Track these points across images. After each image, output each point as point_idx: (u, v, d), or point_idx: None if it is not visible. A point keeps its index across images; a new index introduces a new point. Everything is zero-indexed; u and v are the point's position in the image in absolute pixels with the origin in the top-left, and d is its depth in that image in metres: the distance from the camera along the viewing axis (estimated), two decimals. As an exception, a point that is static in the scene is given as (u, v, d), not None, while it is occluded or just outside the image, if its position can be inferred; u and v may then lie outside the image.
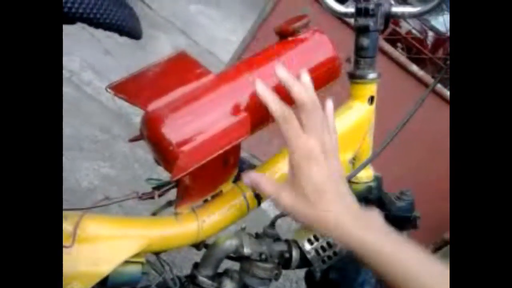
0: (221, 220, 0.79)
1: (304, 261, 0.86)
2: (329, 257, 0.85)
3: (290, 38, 0.81)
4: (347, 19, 1.81)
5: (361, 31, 0.89)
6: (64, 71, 2.04)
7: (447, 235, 2.05)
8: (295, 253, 0.85)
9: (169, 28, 3.19)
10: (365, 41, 0.89)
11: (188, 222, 0.76)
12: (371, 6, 0.86)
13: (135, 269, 0.72)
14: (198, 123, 0.69)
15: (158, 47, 2.73)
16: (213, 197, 0.80)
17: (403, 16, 0.90)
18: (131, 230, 0.72)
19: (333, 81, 0.86)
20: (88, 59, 2.20)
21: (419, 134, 1.91)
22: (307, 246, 0.85)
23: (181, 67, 0.75)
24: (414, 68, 2.06)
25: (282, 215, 0.89)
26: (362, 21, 0.88)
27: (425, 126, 1.88)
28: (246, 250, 0.81)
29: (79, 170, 1.56)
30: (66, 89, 1.94)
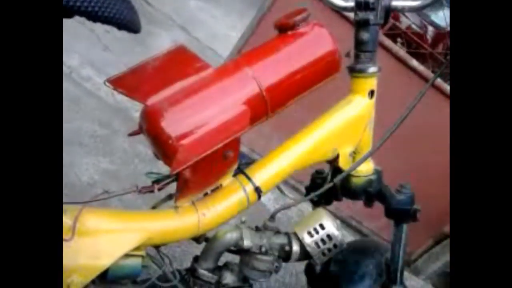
0: (221, 213, 0.79)
1: (304, 253, 0.86)
2: (329, 250, 0.85)
3: (289, 32, 0.81)
4: (347, 14, 1.80)
5: (361, 25, 0.88)
6: (64, 67, 2.04)
7: (447, 229, 2.06)
8: (295, 246, 0.85)
9: (169, 24, 3.18)
10: (365, 35, 0.88)
11: (188, 215, 0.76)
12: (371, 0, 0.86)
13: (135, 262, 0.72)
14: (197, 116, 0.69)
15: (158, 43, 2.72)
16: (213, 190, 0.81)
17: (403, 9, 0.90)
18: (131, 224, 0.73)
19: (334, 75, 0.86)
20: (87, 55, 2.19)
21: (419, 129, 1.91)
22: (307, 239, 0.85)
23: (180, 61, 0.75)
24: (414, 63, 2.06)
25: (282, 208, 0.90)
26: (362, 15, 0.87)
27: (425, 120, 1.87)
28: (246, 243, 0.81)
29: (79, 165, 1.56)
30: (66, 85, 1.93)
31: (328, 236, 0.85)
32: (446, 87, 2.02)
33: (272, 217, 0.87)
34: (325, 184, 0.91)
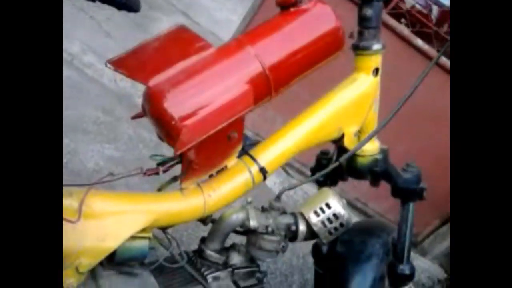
0: (227, 194, 0.79)
1: (310, 233, 0.86)
2: (335, 229, 0.85)
3: (291, 9, 0.79)
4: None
5: (364, 1, 0.87)
6: (65, 55, 2.03)
7: (453, 210, 2.06)
8: (301, 226, 0.85)
9: (170, 9, 3.16)
10: (368, 11, 0.87)
11: (194, 197, 0.76)
12: (375, -25, 0.84)
13: (142, 244, 0.73)
14: (200, 96, 0.69)
15: (159, 29, 2.71)
16: (218, 172, 0.80)
17: (407, -16, 0.88)
18: (137, 205, 0.73)
19: (337, 53, 0.85)
20: (89, 42, 2.18)
21: (424, 109, 1.89)
22: (314, 218, 0.85)
23: (181, 41, 0.74)
24: (419, 42, 2.03)
25: (288, 188, 0.89)
26: (365, -10, 0.86)
27: (431, 100, 1.86)
28: (253, 223, 0.81)
29: (84, 152, 1.56)
30: (68, 73, 1.93)
31: (335, 215, 0.85)
32: (452, 66, 2.00)
33: (278, 197, 0.87)
34: (331, 164, 0.90)
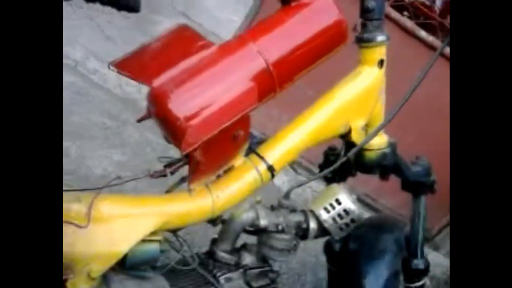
0: (235, 194, 0.78)
1: (321, 230, 0.85)
2: (346, 225, 0.84)
3: (293, 4, 0.78)
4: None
5: (367, -8, 0.86)
6: (68, 61, 2.03)
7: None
8: (312, 223, 0.84)
9: (171, 11, 3.16)
10: (371, 3, 0.85)
11: (202, 198, 0.76)
12: (377, -35, 0.83)
13: (153, 247, 0.72)
14: (205, 95, 0.68)
15: (161, 32, 2.71)
16: (225, 172, 0.80)
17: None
18: (146, 208, 0.72)
19: (341, 46, 0.84)
20: (91, 47, 2.18)
21: (431, 101, 1.87)
22: (324, 215, 0.84)
23: (183, 41, 0.74)
24: (423, 33, 2.01)
25: (296, 186, 0.88)
26: (367, -20, 0.85)
27: (438, 91, 1.83)
28: (263, 222, 0.80)
29: (91, 158, 1.56)
30: (73, 78, 1.94)
31: (345, 210, 0.84)
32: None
33: (287, 195, 0.86)
34: (339, 160, 0.89)
